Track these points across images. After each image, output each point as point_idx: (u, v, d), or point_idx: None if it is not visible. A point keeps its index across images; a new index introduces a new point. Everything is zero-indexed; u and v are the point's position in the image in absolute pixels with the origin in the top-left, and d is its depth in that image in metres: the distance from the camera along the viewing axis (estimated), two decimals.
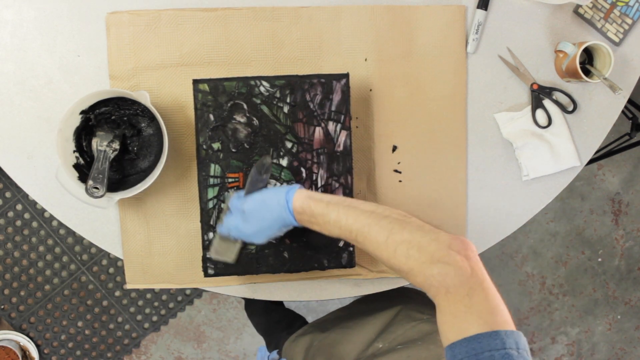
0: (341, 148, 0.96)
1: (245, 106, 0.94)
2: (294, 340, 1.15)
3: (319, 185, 0.96)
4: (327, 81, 0.95)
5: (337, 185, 0.96)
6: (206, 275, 0.97)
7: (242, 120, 0.94)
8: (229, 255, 0.92)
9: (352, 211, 0.73)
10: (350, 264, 0.98)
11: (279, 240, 0.96)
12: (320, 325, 1.16)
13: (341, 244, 0.97)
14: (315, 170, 0.96)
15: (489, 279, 0.62)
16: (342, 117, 0.95)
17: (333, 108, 0.95)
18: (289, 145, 0.95)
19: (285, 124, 0.95)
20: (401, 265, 0.66)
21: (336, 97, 0.95)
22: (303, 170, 0.95)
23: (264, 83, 0.94)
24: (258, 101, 0.94)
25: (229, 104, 0.94)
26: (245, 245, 0.94)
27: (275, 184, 0.93)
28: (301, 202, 0.78)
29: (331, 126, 0.95)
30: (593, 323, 2.17)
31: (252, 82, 0.94)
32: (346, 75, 0.95)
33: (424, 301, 1.15)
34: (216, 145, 0.94)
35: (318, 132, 0.95)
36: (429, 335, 0.97)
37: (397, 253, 0.66)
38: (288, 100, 0.94)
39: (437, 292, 0.62)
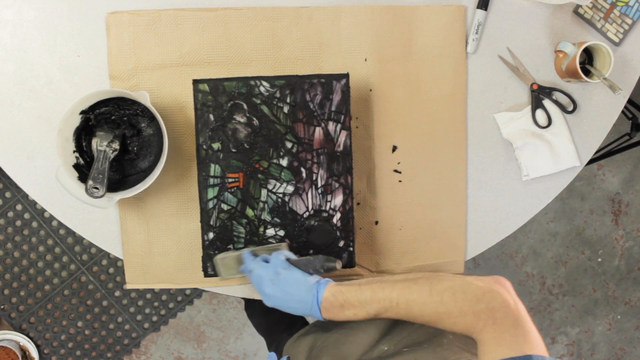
0: (341, 148, 0.96)
1: (245, 106, 0.94)
2: (296, 340, 1.15)
3: (319, 185, 0.96)
4: (327, 81, 0.95)
5: (337, 185, 0.96)
6: (206, 275, 0.97)
7: (242, 120, 0.94)
8: (228, 273, 0.93)
9: (386, 284, 0.76)
10: (350, 264, 0.98)
11: (279, 240, 0.96)
12: (323, 325, 1.15)
13: (341, 244, 0.97)
14: (315, 170, 0.96)
15: (527, 313, 0.66)
16: (342, 117, 0.95)
17: (333, 108, 0.95)
18: (289, 145, 0.95)
19: (285, 124, 0.95)
20: (450, 309, 0.69)
21: (336, 97, 0.95)
22: (303, 170, 0.95)
23: (264, 83, 0.94)
24: (258, 101, 0.94)
25: (229, 104, 0.94)
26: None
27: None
28: (332, 291, 0.80)
29: (331, 126, 0.95)
30: (593, 323, 2.17)
31: (252, 82, 0.94)
32: (346, 76, 0.95)
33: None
34: (216, 145, 0.94)
35: (318, 132, 0.95)
36: (435, 337, 0.97)
37: (444, 299, 0.69)
38: (288, 100, 0.94)
39: (484, 325, 0.64)
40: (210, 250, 0.96)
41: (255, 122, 0.94)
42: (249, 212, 0.96)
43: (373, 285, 0.77)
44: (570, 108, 1.08)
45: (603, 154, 1.73)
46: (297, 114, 0.95)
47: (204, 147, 0.94)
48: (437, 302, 0.70)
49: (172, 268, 1.04)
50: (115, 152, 0.97)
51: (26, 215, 1.90)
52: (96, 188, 0.92)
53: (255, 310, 1.52)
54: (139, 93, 0.92)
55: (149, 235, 1.03)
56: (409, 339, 0.98)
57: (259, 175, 0.95)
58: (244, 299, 1.70)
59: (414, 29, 1.04)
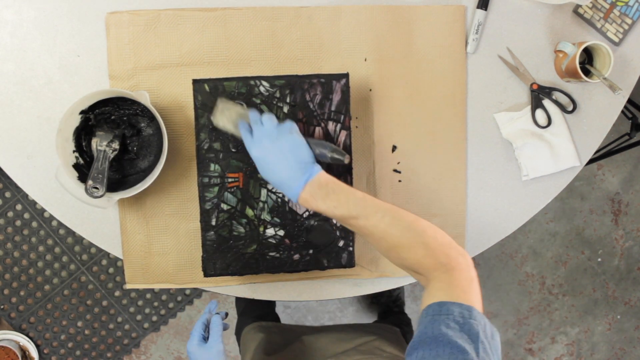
0: (341, 148, 0.96)
1: (245, 106, 0.94)
2: (253, 327, 1.19)
3: None
4: (327, 81, 0.95)
5: None
6: (206, 275, 0.97)
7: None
8: (222, 122, 0.88)
9: (375, 202, 0.77)
10: (350, 263, 0.98)
11: (279, 240, 0.96)
12: (284, 332, 1.18)
13: (341, 244, 0.97)
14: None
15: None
16: (342, 117, 0.95)
17: (333, 108, 0.95)
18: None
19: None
20: (413, 242, 0.73)
21: (336, 97, 0.95)
22: None
23: (264, 83, 0.94)
24: (258, 101, 0.94)
25: None
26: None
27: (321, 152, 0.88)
28: (327, 178, 0.80)
29: (331, 126, 0.95)
30: (593, 323, 2.17)
31: (252, 82, 0.94)
32: (346, 75, 0.95)
33: (395, 340, 1.15)
34: (216, 145, 0.94)
35: (318, 132, 0.95)
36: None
37: (418, 231, 0.73)
38: (288, 100, 0.94)
39: (442, 273, 0.70)
40: (210, 250, 0.96)
41: None
42: (249, 212, 0.96)
43: (366, 196, 0.77)
44: (570, 108, 1.08)
45: (603, 154, 1.73)
46: (296, 113, 0.95)
47: (204, 147, 0.94)
48: (415, 234, 0.73)
49: (172, 268, 1.04)
50: (115, 152, 0.97)
51: (26, 215, 1.90)
52: (96, 188, 0.92)
53: (243, 299, 1.54)
54: (138, 93, 0.92)
55: (148, 235, 1.03)
56: None
57: (259, 175, 0.95)
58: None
59: (414, 29, 1.04)
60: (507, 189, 1.09)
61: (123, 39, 0.99)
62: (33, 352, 1.91)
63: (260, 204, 0.96)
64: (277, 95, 0.94)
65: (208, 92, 0.94)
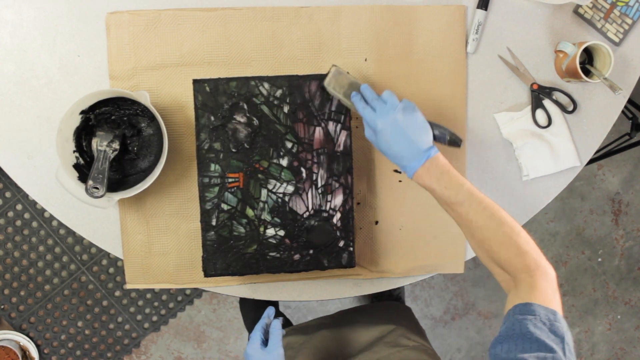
0: (341, 148, 0.96)
1: (245, 106, 0.94)
2: None
3: (319, 185, 0.96)
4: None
5: (337, 185, 0.96)
6: (206, 275, 0.97)
7: (242, 120, 0.94)
8: (335, 89, 0.92)
9: (480, 195, 0.81)
10: (350, 264, 0.98)
11: (279, 240, 0.96)
12: (302, 330, 1.16)
13: (341, 244, 0.97)
14: (315, 170, 0.96)
15: None
16: (342, 117, 0.95)
17: (333, 108, 0.95)
18: (289, 145, 0.95)
19: (286, 124, 0.95)
20: (515, 245, 0.76)
21: (336, 98, 0.95)
22: (303, 170, 0.95)
23: (264, 83, 0.94)
24: (258, 101, 0.94)
25: (229, 104, 0.94)
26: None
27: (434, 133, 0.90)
28: (444, 159, 0.84)
29: (331, 126, 0.95)
30: (593, 323, 2.17)
31: (253, 82, 0.94)
32: None
33: (410, 324, 1.15)
34: (216, 145, 0.94)
35: (318, 132, 0.95)
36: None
37: (520, 236, 0.77)
38: (288, 100, 0.94)
39: (532, 272, 0.74)
40: (210, 250, 0.96)
41: (255, 122, 0.94)
42: (249, 212, 0.96)
43: (472, 187, 0.82)
44: (570, 108, 1.08)
45: (603, 154, 1.73)
46: (297, 114, 0.95)
47: (205, 147, 0.94)
48: (511, 232, 0.77)
49: (172, 268, 1.04)
50: (115, 152, 0.97)
51: (26, 215, 1.90)
52: (96, 188, 0.92)
53: (248, 304, 1.52)
54: (139, 93, 0.92)
55: (149, 235, 1.03)
56: (386, 359, 0.99)
57: (259, 175, 0.95)
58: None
59: (414, 29, 1.04)
60: (507, 189, 1.09)
61: (123, 39, 0.99)
62: (33, 352, 1.91)
63: (261, 204, 0.96)
64: (278, 95, 0.94)
65: (208, 92, 0.94)
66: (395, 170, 1.06)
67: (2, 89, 0.99)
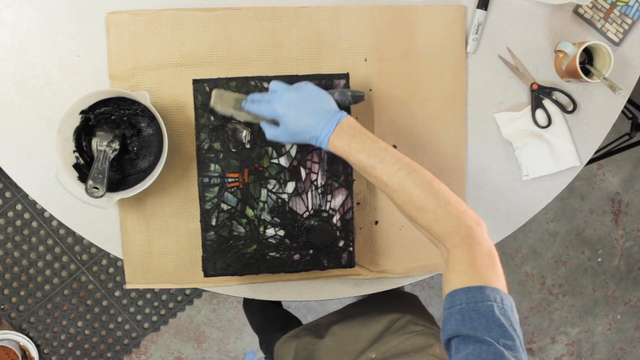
0: None
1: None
2: (285, 341, 1.16)
3: (319, 185, 0.96)
4: (327, 81, 0.95)
5: (337, 185, 0.96)
6: (206, 275, 0.97)
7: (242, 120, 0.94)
8: (223, 107, 0.92)
9: (397, 154, 0.78)
10: (350, 264, 0.98)
11: (279, 240, 0.96)
12: (314, 330, 1.16)
13: (341, 244, 0.97)
14: (315, 170, 0.96)
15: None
16: None
17: None
18: (288, 145, 0.95)
19: None
20: (437, 207, 0.73)
21: (337, 98, 0.95)
22: (303, 170, 0.95)
23: (264, 83, 0.94)
24: None
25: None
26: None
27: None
28: (353, 122, 0.81)
29: None
30: (593, 323, 2.17)
31: (252, 82, 0.94)
32: (346, 76, 0.95)
33: (417, 310, 1.16)
34: (216, 145, 0.94)
35: (319, 180, 0.96)
36: (422, 349, 0.98)
37: (437, 196, 0.74)
38: None
39: (460, 241, 0.70)
40: (210, 250, 0.96)
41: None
42: (249, 212, 0.96)
43: (389, 147, 0.79)
44: (570, 108, 1.08)
45: (603, 154, 1.73)
46: None
47: (204, 146, 0.94)
48: (429, 194, 0.74)
49: (172, 268, 1.04)
50: (115, 152, 0.97)
51: (26, 215, 1.90)
52: (96, 188, 0.92)
53: (252, 306, 1.52)
54: (139, 93, 0.92)
55: (148, 235, 1.03)
56: (397, 348, 0.99)
57: (259, 175, 0.95)
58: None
59: (414, 29, 1.04)
60: (507, 189, 1.09)
61: (123, 39, 0.99)
62: (33, 352, 1.91)
63: (261, 204, 0.96)
64: None
65: (208, 92, 0.94)
66: None
67: (2, 89, 0.99)
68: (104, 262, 1.93)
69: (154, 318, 1.98)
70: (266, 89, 0.94)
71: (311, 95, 0.84)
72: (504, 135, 1.08)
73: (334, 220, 0.97)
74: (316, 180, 0.96)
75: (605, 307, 2.16)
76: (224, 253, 0.96)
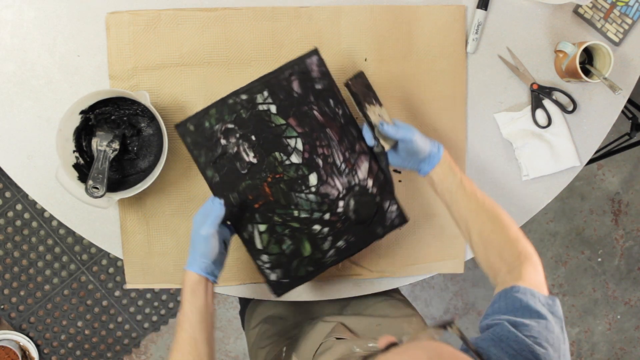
0: (342, 120, 0.92)
1: (234, 126, 0.91)
2: (256, 303, 1.19)
3: (339, 164, 0.93)
4: (300, 65, 0.91)
5: (355, 155, 0.93)
6: (279, 295, 0.95)
7: (238, 139, 0.91)
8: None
9: (475, 194, 0.87)
10: (404, 219, 0.96)
11: (328, 232, 0.94)
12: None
13: (386, 206, 0.95)
14: (328, 152, 0.92)
15: None
16: (330, 92, 0.92)
17: (319, 86, 0.91)
18: (292, 142, 0.92)
19: (280, 124, 0.92)
20: (506, 238, 0.82)
21: (316, 75, 0.91)
22: (316, 157, 0.92)
23: (242, 95, 0.90)
24: (244, 115, 0.91)
25: (219, 134, 0.90)
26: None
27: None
28: (449, 157, 0.90)
29: (324, 105, 0.92)
30: (593, 323, 2.17)
31: (231, 101, 0.90)
32: (315, 52, 0.91)
33: (400, 298, 1.16)
34: (225, 174, 0.91)
35: (314, 116, 0.92)
36: (407, 317, 1.00)
37: (515, 229, 0.84)
38: (271, 100, 0.91)
39: (522, 263, 0.78)
40: (268, 272, 0.94)
41: (252, 136, 0.91)
42: (290, 222, 0.94)
43: (474, 187, 0.88)
44: (570, 108, 1.08)
45: (603, 154, 1.73)
46: (286, 110, 0.91)
47: (215, 180, 0.91)
48: (507, 226, 0.83)
49: (172, 268, 1.04)
50: (115, 152, 0.97)
51: (26, 215, 1.90)
52: (96, 188, 0.92)
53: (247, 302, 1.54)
54: (139, 93, 0.92)
55: (148, 235, 1.03)
56: (381, 311, 1.02)
57: (281, 185, 0.93)
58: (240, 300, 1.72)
59: (414, 29, 1.04)
60: (507, 189, 1.09)
61: (123, 39, 0.99)
62: (33, 352, 1.90)
63: (295, 208, 0.93)
64: (259, 100, 0.91)
65: (194, 131, 0.90)
66: (395, 170, 1.06)
67: (2, 89, 0.99)
68: (104, 262, 1.93)
69: (154, 318, 1.98)
70: (245, 100, 0.91)
71: (413, 140, 0.89)
72: (504, 135, 1.08)
73: (369, 188, 0.94)
74: (334, 161, 0.93)
75: (605, 307, 2.16)
76: (285, 267, 0.94)
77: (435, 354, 0.47)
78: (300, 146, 0.92)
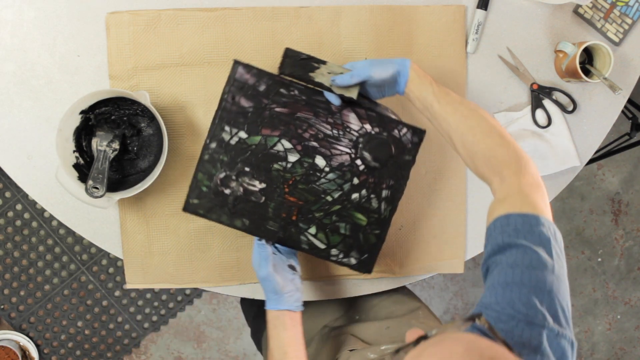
0: (304, 97, 0.91)
1: (226, 173, 0.91)
2: None
3: (327, 132, 0.91)
4: (234, 84, 0.90)
5: (337, 115, 0.91)
6: (368, 272, 0.95)
7: (237, 179, 0.92)
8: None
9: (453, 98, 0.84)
10: (418, 137, 0.93)
11: (363, 182, 0.92)
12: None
13: (397, 133, 0.92)
14: (314, 131, 0.91)
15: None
16: (277, 83, 0.90)
17: (263, 87, 0.90)
18: (279, 147, 0.91)
19: (257, 142, 0.91)
20: (497, 140, 0.78)
21: (253, 81, 0.90)
22: (308, 143, 0.91)
23: (212, 145, 0.90)
24: (226, 158, 0.91)
25: (219, 188, 0.91)
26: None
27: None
28: (417, 67, 0.87)
29: (281, 97, 0.91)
30: (593, 323, 2.17)
31: (206, 156, 0.90)
32: (236, 63, 0.89)
33: (405, 292, 1.16)
34: (248, 215, 0.92)
35: (279, 112, 0.91)
36: (413, 312, 1.00)
37: (495, 131, 0.79)
38: (235, 129, 0.90)
39: (518, 170, 0.74)
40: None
41: (245, 168, 0.91)
42: (330, 207, 0.93)
43: (445, 89, 0.85)
44: (570, 108, 1.08)
45: (603, 154, 1.73)
46: (252, 126, 0.91)
47: (246, 225, 0.92)
48: (493, 124, 0.80)
49: (172, 268, 1.04)
50: (115, 152, 0.97)
51: (26, 215, 1.90)
52: (96, 188, 0.92)
53: (250, 300, 1.53)
54: (139, 93, 0.92)
55: (148, 235, 1.03)
56: (387, 311, 1.01)
57: (299, 186, 0.92)
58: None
59: (414, 28, 1.04)
60: None
61: (123, 39, 0.99)
62: (33, 352, 1.90)
63: (327, 195, 0.92)
64: (227, 137, 0.90)
65: (199, 202, 0.91)
66: None
67: (2, 89, 0.99)
68: (104, 262, 1.93)
69: (154, 318, 1.98)
70: (217, 147, 0.91)
71: (378, 60, 0.88)
72: None
73: (371, 131, 0.92)
74: (324, 134, 0.92)
75: (605, 307, 2.16)
76: (356, 246, 0.94)
77: (472, 345, 0.47)
78: (288, 145, 0.91)
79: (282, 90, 0.91)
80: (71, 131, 0.95)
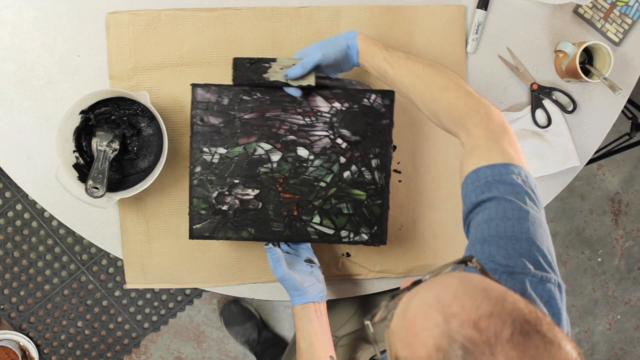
0: (268, 97, 0.92)
1: (219, 190, 0.93)
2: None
3: (304, 123, 0.92)
4: (199, 106, 0.91)
5: (305, 104, 0.92)
6: (383, 244, 0.95)
7: (230, 194, 0.93)
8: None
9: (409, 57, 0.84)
10: (390, 98, 0.94)
11: (358, 169, 0.93)
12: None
13: (367, 100, 0.92)
14: (287, 125, 0.92)
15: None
16: (239, 92, 0.92)
17: (225, 101, 0.92)
18: (259, 151, 0.92)
19: (238, 153, 0.92)
20: (458, 92, 0.77)
21: (215, 98, 0.92)
22: (285, 138, 0.92)
23: (197, 169, 0.92)
24: (212, 177, 0.93)
25: (216, 207, 0.93)
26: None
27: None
28: (364, 36, 0.86)
29: (245, 104, 0.92)
30: (593, 323, 2.17)
31: (195, 181, 0.92)
32: (195, 86, 0.92)
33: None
34: (251, 224, 0.93)
35: (249, 119, 0.92)
36: None
37: (454, 82, 0.79)
38: (214, 148, 0.92)
39: (482, 120, 0.74)
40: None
41: (234, 181, 0.93)
42: (328, 190, 0.94)
43: (398, 52, 0.85)
44: (570, 108, 1.08)
45: (603, 154, 1.73)
46: (228, 139, 0.92)
47: (252, 234, 0.93)
48: (451, 77, 0.79)
49: (172, 268, 1.04)
50: (115, 152, 0.97)
51: (26, 215, 1.89)
52: (96, 188, 0.92)
53: (233, 315, 1.55)
54: (139, 93, 0.92)
55: (148, 235, 1.03)
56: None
57: (290, 182, 0.93)
58: (221, 313, 1.76)
59: (414, 29, 1.04)
60: None
61: (123, 39, 0.99)
62: (33, 352, 1.90)
63: (320, 182, 0.93)
64: (208, 157, 0.93)
65: (202, 225, 0.93)
66: (395, 170, 1.06)
67: (2, 89, 0.99)
68: (104, 262, 1.93)
69: (154, 318, 1.98)
70: (202, 169, 0.92)
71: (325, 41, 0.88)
72: None
73: (342, 108, 0.92)
74: (298, 125, 0.92)
75: (605, 307, 2.16)
76: (363, 221, 0.95)
77: (465, 279, 0.48)
78: (267, 146, 0.93)
79: (245, 97, 0.92)
80: (71, 131, 0.95)
